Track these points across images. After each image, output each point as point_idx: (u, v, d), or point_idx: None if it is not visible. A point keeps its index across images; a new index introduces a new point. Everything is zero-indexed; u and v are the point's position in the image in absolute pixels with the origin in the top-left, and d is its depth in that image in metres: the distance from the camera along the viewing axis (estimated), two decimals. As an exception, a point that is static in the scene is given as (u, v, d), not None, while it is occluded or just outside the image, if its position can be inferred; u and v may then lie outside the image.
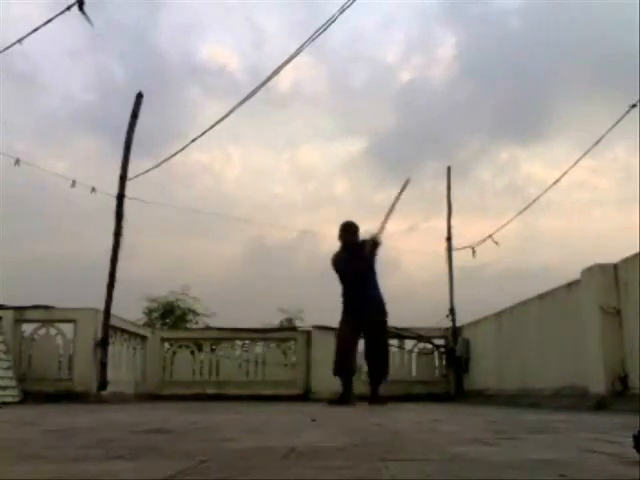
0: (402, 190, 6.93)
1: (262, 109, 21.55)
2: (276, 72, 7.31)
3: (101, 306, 7.62)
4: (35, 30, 6.02)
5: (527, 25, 19.91)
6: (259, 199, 26.65)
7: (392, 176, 26.43)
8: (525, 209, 8.70)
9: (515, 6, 20.06)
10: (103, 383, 7.38)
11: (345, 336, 6.91)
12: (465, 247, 9.74)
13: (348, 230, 6.97)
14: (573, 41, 17.90)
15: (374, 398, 6.82)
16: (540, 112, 22.79)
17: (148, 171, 8.35)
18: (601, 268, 5.32)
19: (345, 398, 6.72)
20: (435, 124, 23.84)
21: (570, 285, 5.94)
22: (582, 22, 16.19)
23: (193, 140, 8.13)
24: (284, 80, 23.52)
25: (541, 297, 6.70)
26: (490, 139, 26.51)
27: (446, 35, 24.69)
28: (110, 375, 7.55)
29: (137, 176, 8.17)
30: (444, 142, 23.05)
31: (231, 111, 7.79)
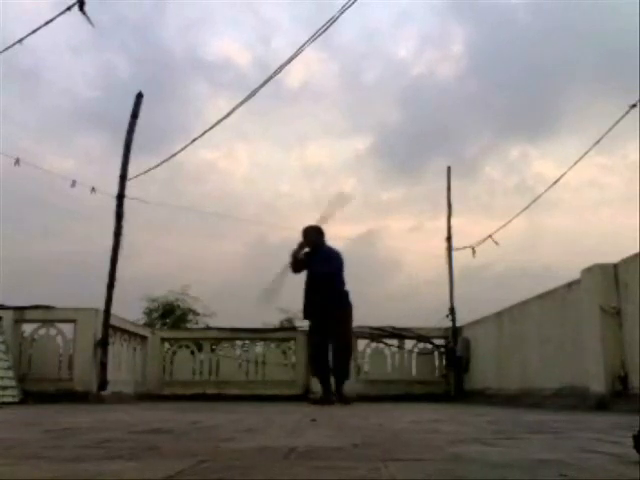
0: (336, 205, 7.37)
1: (271, 106, 21.46)
2: (277, 72, 7.29)
3: (101, 306, 7.62)
4: (35, 31, 6.01)
5: (538, 20, 19.68)
6: (265, 197, 26.61)
7: (399, 174, 26.38)
8: (525, 209, 8.66)
9: (525, 0, 19.88)
10: (103, 383, 7.38)
11: (314, 337, 7.45)
12: (465, 247, 9.72)
13: (309, 233, 7.44)
14: (586, 35, 17.73)
15: (338, 397, 7.11)
16: (552, 109, 22.61)
17: (149, 170, 8.35)
18: (601, 268, 5.31)
19: (326, 397, 7.06)
20: (443, 121, 23.74)
21: (570, 285, 5.93)
22: (594, 15, 16.03)
23: (194, 140, 8.12)
24: (294, 76, 23.38)
25: (541, 297, 6.69)
26: (500, 137, 26.34)
27: (455, 30, 24.50)
28: (110, 375, 7.55)
29: (137, 176, 8.17)
30: (452, 139, 22.97)
31: (233, 110, 7.76)
